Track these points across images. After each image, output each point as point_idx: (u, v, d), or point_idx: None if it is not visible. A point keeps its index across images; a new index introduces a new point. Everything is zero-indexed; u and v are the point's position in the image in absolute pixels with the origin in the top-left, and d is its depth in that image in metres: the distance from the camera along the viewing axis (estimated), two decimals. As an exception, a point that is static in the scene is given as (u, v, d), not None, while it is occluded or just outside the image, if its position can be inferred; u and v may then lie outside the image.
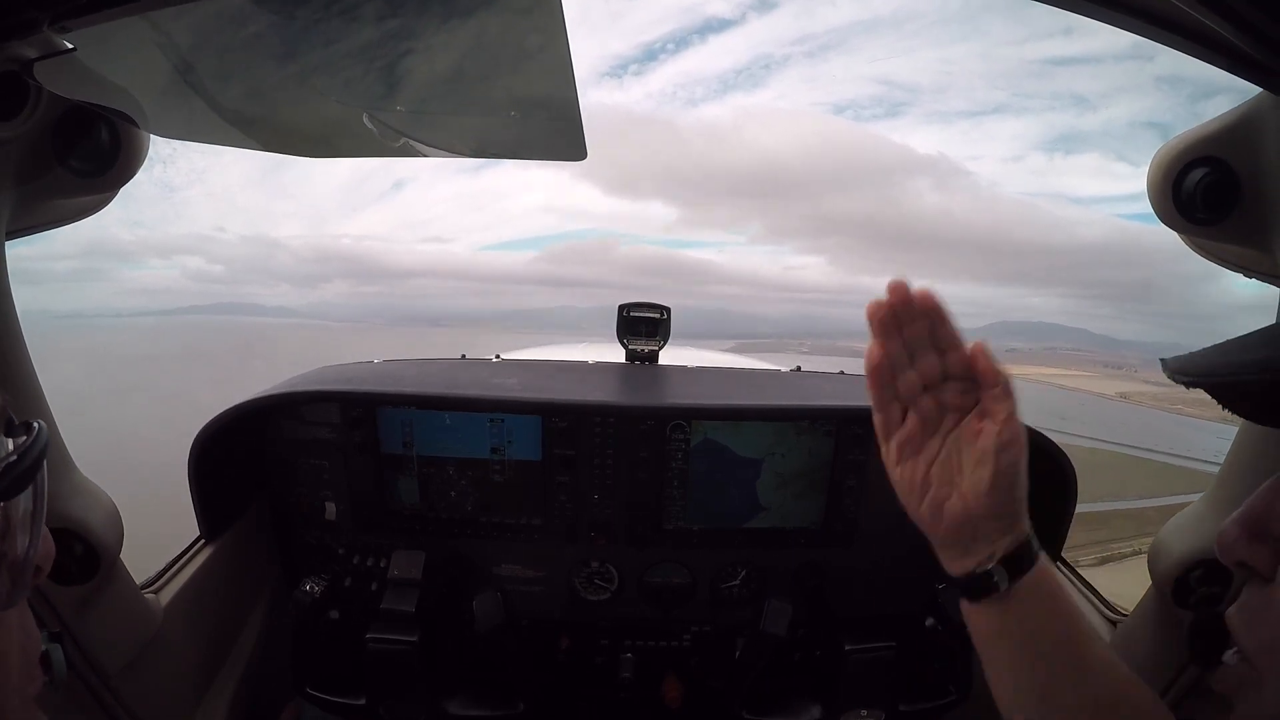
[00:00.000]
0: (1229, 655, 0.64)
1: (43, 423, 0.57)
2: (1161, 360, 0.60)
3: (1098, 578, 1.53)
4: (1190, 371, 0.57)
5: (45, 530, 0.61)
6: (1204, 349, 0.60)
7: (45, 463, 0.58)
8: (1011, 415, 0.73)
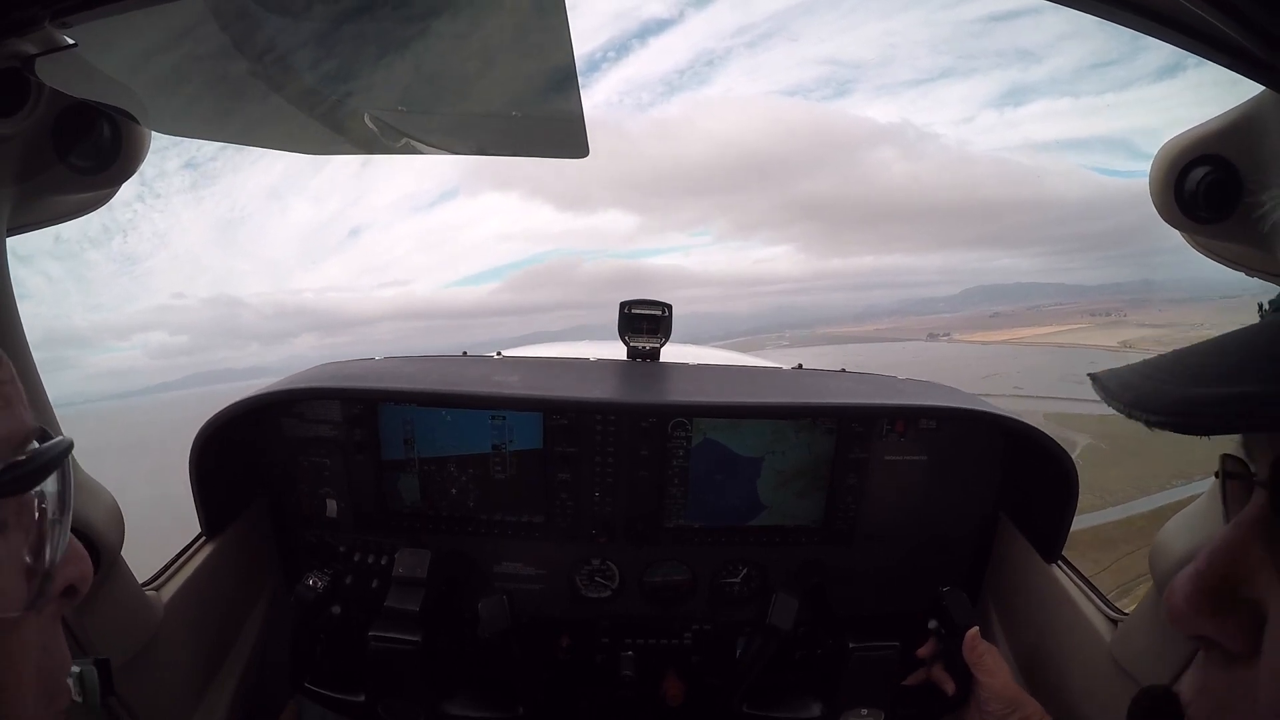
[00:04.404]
0: None
1: (69, 438, 0.57)
2: (1091, 376, 0.48)
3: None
4: (1156, 409, 0.42)
5: (83, 551, 0.61)
6: (1151, 366, 0.46)
7: (69, 473, 0.58)
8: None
